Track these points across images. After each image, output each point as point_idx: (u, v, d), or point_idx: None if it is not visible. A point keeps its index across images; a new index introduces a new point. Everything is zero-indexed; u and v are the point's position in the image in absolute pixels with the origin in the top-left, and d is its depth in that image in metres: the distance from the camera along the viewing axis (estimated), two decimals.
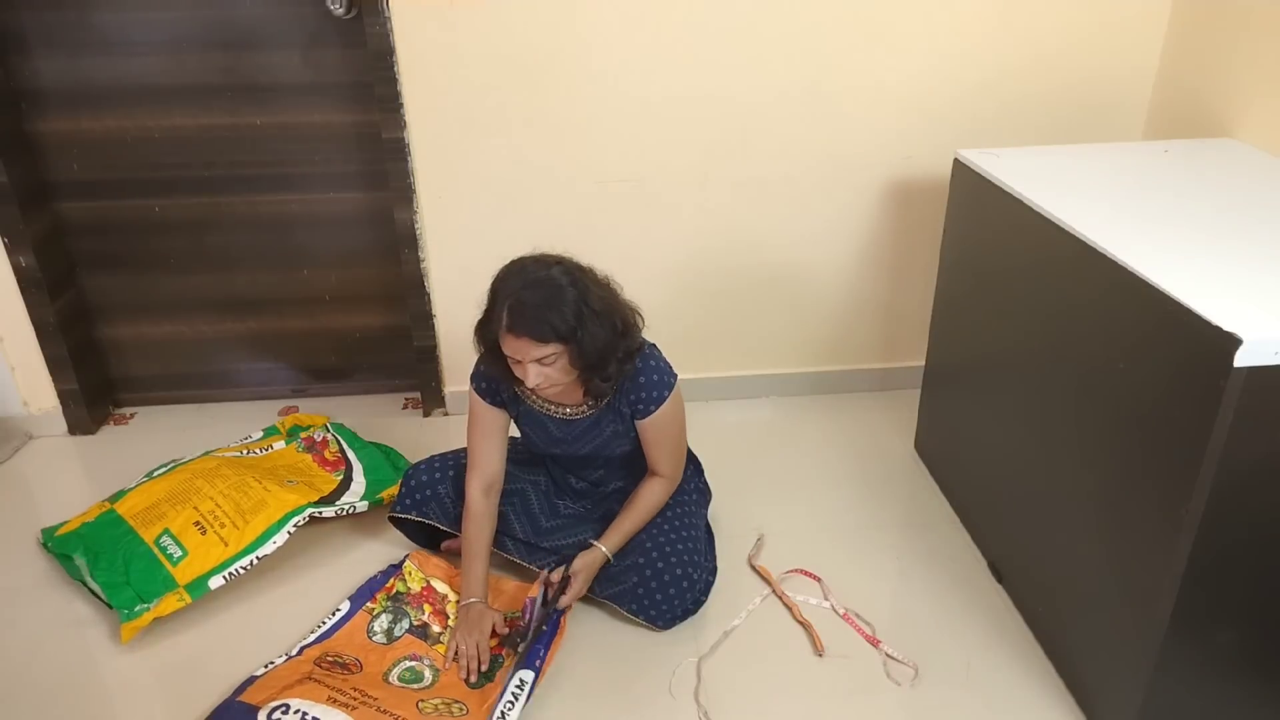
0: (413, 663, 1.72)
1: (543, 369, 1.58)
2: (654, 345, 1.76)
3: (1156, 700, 1.42)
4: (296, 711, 1.52)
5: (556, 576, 1.76)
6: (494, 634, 1.75)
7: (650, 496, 1.82)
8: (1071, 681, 1.64)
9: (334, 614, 1.82)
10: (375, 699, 1.58)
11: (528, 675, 1.62)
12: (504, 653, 1.74)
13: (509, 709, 1.57)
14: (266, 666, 1.68)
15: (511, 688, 1.60)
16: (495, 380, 1.76)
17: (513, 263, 1.62)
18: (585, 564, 1.77)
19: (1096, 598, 1.53)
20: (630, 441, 1.81)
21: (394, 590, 1.86)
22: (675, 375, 1.76)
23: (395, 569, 1.91)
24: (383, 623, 1.80)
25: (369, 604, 1.84)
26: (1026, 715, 1.60)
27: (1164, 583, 1.34)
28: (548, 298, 1.54)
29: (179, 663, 1.75)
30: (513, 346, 1.57)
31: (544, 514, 1.91)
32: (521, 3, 2.08)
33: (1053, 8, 2.17)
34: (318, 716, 1.51)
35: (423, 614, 1.82)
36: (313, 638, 1.76)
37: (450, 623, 1.80)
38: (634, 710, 1.63)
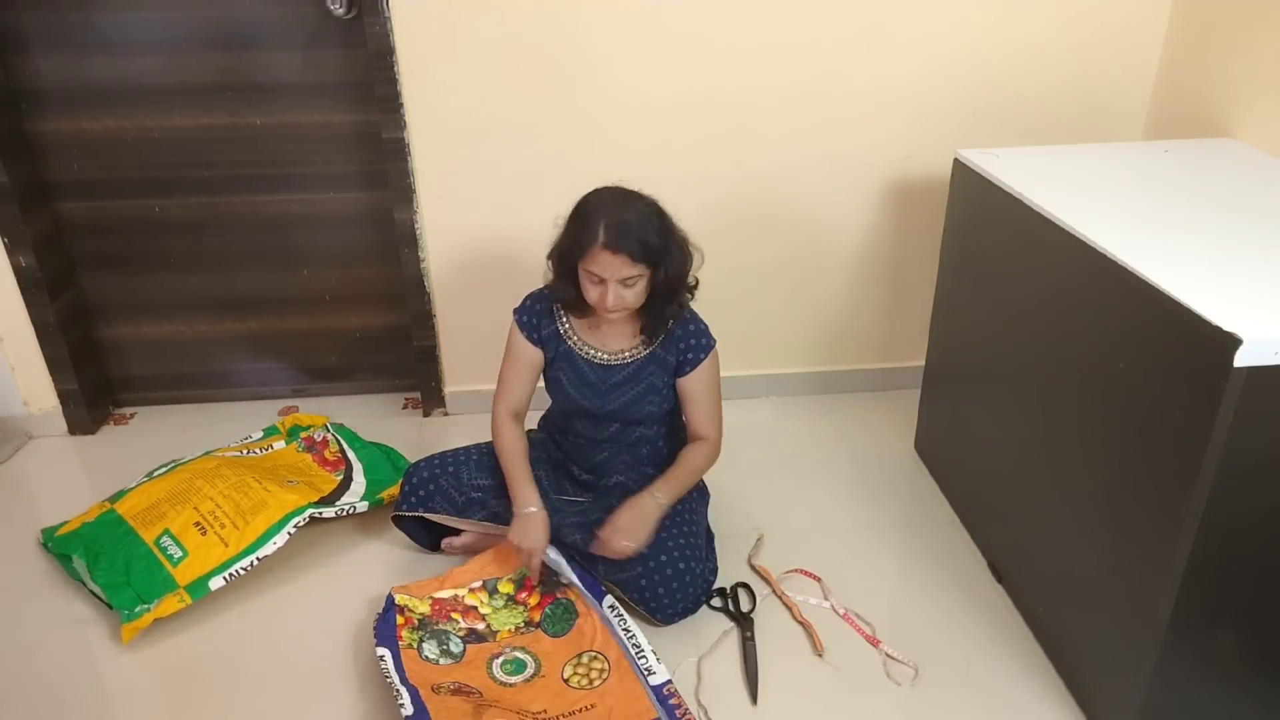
0: (500, 658, 1.69)
1: (624, 290, 1.65)
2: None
3: (1156, 700, 1.42)
4: None
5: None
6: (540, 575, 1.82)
7: (698, 455, 1.86)
8: (1071, 681, 1.64)
9: (382, 661, 1.63)
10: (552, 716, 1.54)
11: (609, 600, 1.72)
12: (569, 594, 1.79)
13: (620, 623, 1.71)
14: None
15: (614, 619, 1.72)
16: (540, 315, 1.83)
17: (600, 189, 1.71)
18: (636, 510, 1.75)
19: (1096, 598, 1.53)
20: (658, 403, 1.83)
21: (413, 622, 1.74)
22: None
23: (391, 609, 1.74)
24: (432, 648, 1.69)
25: (399, 643, 1.68)
26: (1026, 715, 1.60)
27: (1164, 583, 1.34)
28: (644, 218, 1.65)
29: (179, 663, 1.74)
30: (604, 263, 1.63)
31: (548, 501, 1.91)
32: (522, 3, 2.08)
33: (1053, 8, 2.17)
34: None
35: (459, 624, 1.75)
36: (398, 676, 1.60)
37: (485, 609, 1.78)
38: None
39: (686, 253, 1.73)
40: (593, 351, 1.82)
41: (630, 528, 1.73)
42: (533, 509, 1.77)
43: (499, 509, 1.87)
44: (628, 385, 1.82)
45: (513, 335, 1.85)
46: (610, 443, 1.91)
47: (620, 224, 1.62)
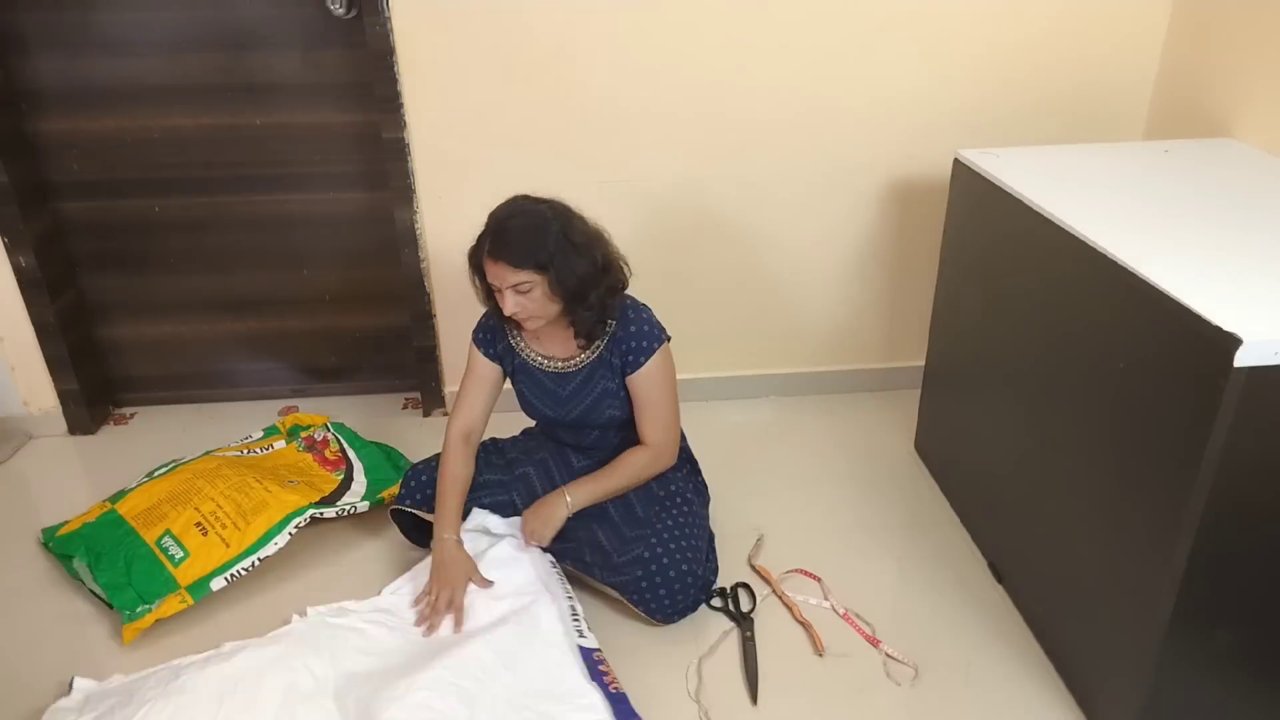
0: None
1: (519, 297, 1.65)
2: (647, 307, 1.81)
3: (1156, 700, 1.42)
4: None
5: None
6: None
7: (633, 461, 1.82)
8: (1071, 681, 1.64)
9: None
10: None
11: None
12: None
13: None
14: None
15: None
16: (493, 331, 1.83)
17: (509, 199, 1.72)
18: (544, 510, 1.79)
19: (1096, 598, 1.53)
20: (620, 405, 1.81)
21: None
22: (668, 335, 1.80)
23: None
24: None
25: None
26: (1026, 715, 1.60)
27: (1164, 583, 1.34)
28: (529, 226, 1.65)
29: None
30: (492, 272, 1.65)
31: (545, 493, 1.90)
32: (522, 3, 2.08)
33: (1053, 8, 2.17)
34: None
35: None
36: None
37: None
38: (635, 709, 1.63)
39: (592, 254, 1.67)
40: (544, 360, 1.82)
41: (534, 530, 1.79)
42: (448, 536, 1.77)
43: (503, 497, 1.89)
44: (583, 392, 1.81)
45: (472, 354, 1.86)
46: (597, 449, 1.91)
47: (501, 232, 1.65)
